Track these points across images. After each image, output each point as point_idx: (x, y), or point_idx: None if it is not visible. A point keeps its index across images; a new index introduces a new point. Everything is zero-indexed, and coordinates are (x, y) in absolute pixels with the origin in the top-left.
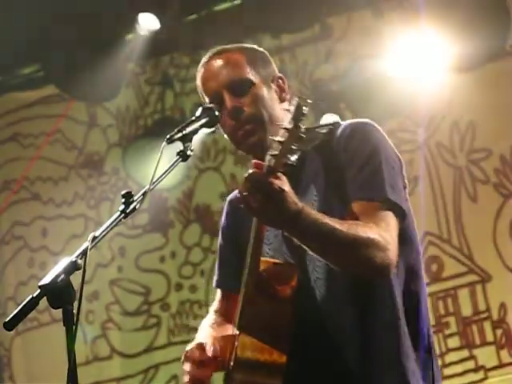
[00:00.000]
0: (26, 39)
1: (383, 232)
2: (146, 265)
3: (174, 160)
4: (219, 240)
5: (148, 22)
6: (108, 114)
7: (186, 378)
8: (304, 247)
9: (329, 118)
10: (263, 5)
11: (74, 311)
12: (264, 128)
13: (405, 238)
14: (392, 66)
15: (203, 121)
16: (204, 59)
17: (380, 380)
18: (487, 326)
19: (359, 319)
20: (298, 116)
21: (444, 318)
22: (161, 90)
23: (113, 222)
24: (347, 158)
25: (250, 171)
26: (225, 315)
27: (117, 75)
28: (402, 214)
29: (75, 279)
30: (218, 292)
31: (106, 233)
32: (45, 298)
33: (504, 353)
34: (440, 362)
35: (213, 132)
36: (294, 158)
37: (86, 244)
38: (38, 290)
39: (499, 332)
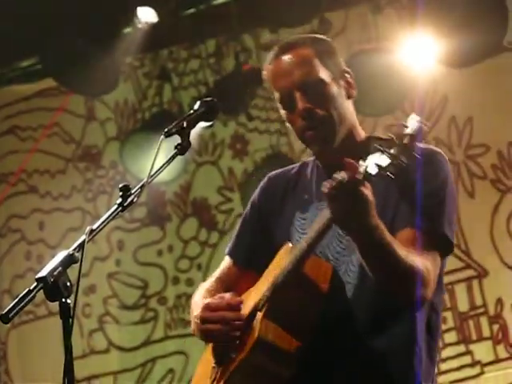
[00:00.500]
0: (24, 32)
1: (431, 267)
2: (144, 258)
3: (172, 153)
4: (247, 211)
5: (146, 16)
6: (106, 108)
7: (212, 326)
8: (357, 250)
9: (414, 123)
10: None
11: (71, 304)
12: (334, 130)
13: (440, 274)
14: (390, 62)
15: (201, 114)
16: (273, 53)
17: None
18: (484, 321)
19: (377, 332)
20: (418, 134)
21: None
22: (159, 83)
23: (110, 215)
24: (417, 184)
25: (344, 174)
26: (226, 286)
27: (115, 69)
28: (449, 252)
29: (72, 272)
30: (227, 260)
31: (104, 226)
32: (42, 290)
33: (500, 348)
34: None
35: (210, 126)
36: (393, 171)
37: (84, 237)
38: (35, 283)
39: (496, 327)
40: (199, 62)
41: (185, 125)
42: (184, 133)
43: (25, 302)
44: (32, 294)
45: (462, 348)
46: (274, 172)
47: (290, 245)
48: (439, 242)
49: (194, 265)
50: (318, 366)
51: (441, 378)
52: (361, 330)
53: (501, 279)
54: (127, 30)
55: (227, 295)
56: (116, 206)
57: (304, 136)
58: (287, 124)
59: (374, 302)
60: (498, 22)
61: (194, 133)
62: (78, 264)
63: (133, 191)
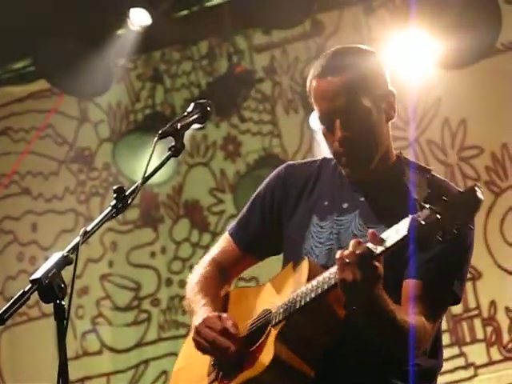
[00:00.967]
0: (17, 34)
1: (429, 327)
2: (137, 260)
3: (166, 155)
4: (260, 193)
5: (139, 18)
6: (99, 110)
7: (204, 343)
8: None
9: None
10: (254, 1)
11: (65, 306)
12: (369, 158)
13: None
14: (382, 63)
15: (195, 116)
16: (321, 67)
17: None
18: (477, 323)
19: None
20: (473, 211)
21: None
22: (152, 85)
23: (104, 216)
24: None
25: (364, 248)
26: (222, 268)
27: (108, 70)
28: (456, 304)
29: (65, 274)
30: (228, 239)
31: (98, 227)
32: (36, 292)
33: (494, 350)
34: None
35: (203, 127)
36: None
37: (78, 239)
38: (30, 285)
39: (489, 330)
40: (192, 64)
41: (179, 126)
42: (178, 134)
43: (19, 303)
44: (27, 296)
45: (455, 350)
46: (293, 162)
47: (310, 261)
48: (448, 300)
49: (187, 266)
50: None
51: None
52: (368, 358)
53: (494, 281)
54: (120, 31)
55: (225, 318)
56: (110, 208)
57: (339, 159)
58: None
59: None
60: (491, 24)
61: (187, 134)
62: (72, 265)
63: (127, 193)
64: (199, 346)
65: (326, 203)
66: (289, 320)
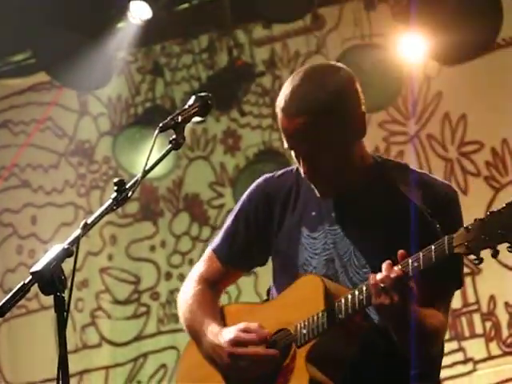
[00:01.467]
0: (16, 26)
1: (446, 320)
2: (137, 253)
3: (167, 148)
4: (240, 209)
5: (140, 11)
6: (99, 102)
7: (244, 362)
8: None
9: None
10: None
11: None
12: (338, 180)
13: None
14: (383, 58)
15: (196, 109)
16: (283, 102)
17: None
18: (476, 318)
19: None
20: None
21: None
22: (152, 78)
23: (105, 209)
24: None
25: (398, 272)
26: (210, 284)
27: (108, 63)
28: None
29: (65, 267)
30: (211, 255)
31: (98, 220)
32: (35, 284)
33: (493, 345)
34: None
35: (203, 121)
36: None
37: (79, 231)
38: (30, 277)
39: (488, 324)
40: (192, 57)
41: (180, 119)
42: (179, 127)
43: (20, 295)
44: (27, 288)
45: (454, 345)
46: (270, 174)
47: (322, 278)
48: (453, 289)
49: (186, 260)
50: None
51: None
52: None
53: (494, 276)
54: (120, 24)
55: (254, 328)
56: (111, 201)
57: (310, 182)
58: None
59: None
60: (492, 19)
61: (187, 128)
62: (72, 258)
63: (127, 186)
64: (239, 370)
65: (313, 213)
66: (317, 341)
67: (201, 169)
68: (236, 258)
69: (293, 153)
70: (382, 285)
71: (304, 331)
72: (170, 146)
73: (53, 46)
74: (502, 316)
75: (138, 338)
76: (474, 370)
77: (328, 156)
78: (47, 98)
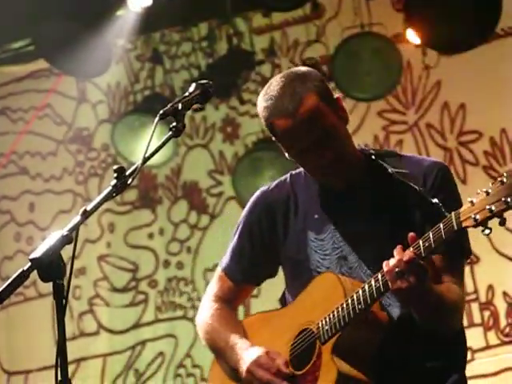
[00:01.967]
0: (16, 13)
1: (462, 292)
2: (135, 241)
3: (167, 135)
4: (244, 225)
5: None
6: (98, 90)
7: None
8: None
9: None
10: None
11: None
12: (345, 165)
13: None
14: (382, 47)
15: (196, 97)
16: (275, 105)
17: None
18: (475, 307)
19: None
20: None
21: None
22: (151, 66)
23: (104, 196)
24: (443, 197)
25: (410, 254)
26: (226, 301)
27: (107, 51)
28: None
29: (63, 254)
30: (222, 276)
31: (98, 207)
32: (34, 271)
33: (491, 334)
34: None
35: (202, 109)
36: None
37: (78, 218)
38: (29, 263)
39: (486, 314)
40: (191, 45)
41: (180, 107)
42: (179, 115)
43: (19, 282)
44: (26, 274)
45: None
46: (265, 187)
47: (337, 274)
48: (465, 260)
49: (184, 248)
50: None
51: None
52: (410, 350)
53: (492, 266)
54: (120, 12)
55: (279, 360)
56: (111, 188)
57: (316, 174)
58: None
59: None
60: (491, 8)
61: (186, 116)
62: (71, 245)
63: (127, 173)
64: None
65: (316, 216)
66: (341, 334)
67: (200, 157)
68: (245, 274)
69: (302, 156)
70: (396, 269)
71: (326, 327)
72: (171, 133)
73: (52, 34)
74: (500, 305)
75: (136, 325)
76: (472, 359)
77: (337, 139)
78: (46, 85)
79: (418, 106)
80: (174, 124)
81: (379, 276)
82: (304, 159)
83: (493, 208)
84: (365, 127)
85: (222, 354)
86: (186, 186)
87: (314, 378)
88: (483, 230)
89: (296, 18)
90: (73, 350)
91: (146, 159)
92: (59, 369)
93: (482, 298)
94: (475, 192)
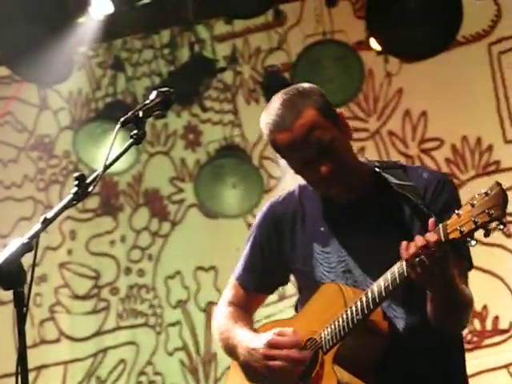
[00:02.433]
0: None
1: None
2: (97, 248)
3: (128, 143)
4: (255, 236)
5: (101, 5)
6: (59, 97)
7: (278, 362)
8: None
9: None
10: None
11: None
12: (346, 179)
13: None
14: (344, 54)
15: (157, 105)
16: (276, 119)
17: None
18: None
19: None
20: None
21: None
22: (113, 73)
23: (65, 204)
24: (439, 209)
25: (434, 237)
26: (240, 308)
27: (69, 58)
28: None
29: (24, 262)
30: (235, 284)
31: (58, 215)
32: None
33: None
34: None
35: (164, 116)
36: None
37: (38, 226)
38: None
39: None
40: (153, 53)
41: (141, 114)
42: (140, 122)
43: None
44: None
45: None
46: (274, 199)
47: (341, 285)
48: (468, 268)
49: (146, 255)
50: None
51: None
52: (417, 359)
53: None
54: (82, 19)
55: (289, 332)
56: (71, 196)
57: (319, 188)
58: (286, 164)
59: (423, 331)
60: (452, 16)
61: (148, 123)
62: (32, 253)
63: (88, 181)
64: (271, 370)
65: (322, 229)
66: (341, 344)
67: (161, 164)
68: (257, 283)
69: (304, 170)
70: (417, 259)
71: (328, 337)
72: (132, 140)
73: (13, 40)
74: None
75: (98, 333)
76: None
77: (336, 153)
78: (7, 92)
79: (380, 114)
80: (135, 131)
81: (388, 275)
82: (306, 173)
83: (477, 220)
84: None
85: (234, 350)
86: (147, 194)
87: None
88: (469, 242)
89: (258, 25)
90: (34, 357)
91: (107, 166)
92: (19, 376)
93: None
94: None
